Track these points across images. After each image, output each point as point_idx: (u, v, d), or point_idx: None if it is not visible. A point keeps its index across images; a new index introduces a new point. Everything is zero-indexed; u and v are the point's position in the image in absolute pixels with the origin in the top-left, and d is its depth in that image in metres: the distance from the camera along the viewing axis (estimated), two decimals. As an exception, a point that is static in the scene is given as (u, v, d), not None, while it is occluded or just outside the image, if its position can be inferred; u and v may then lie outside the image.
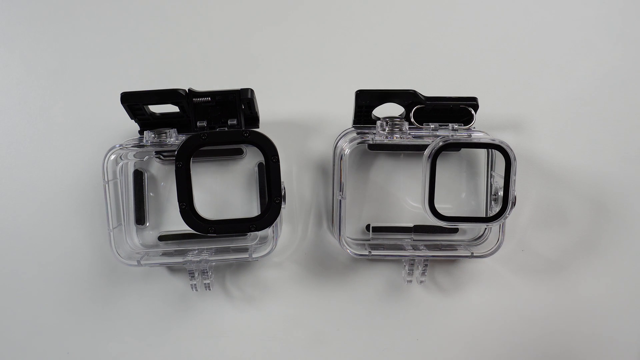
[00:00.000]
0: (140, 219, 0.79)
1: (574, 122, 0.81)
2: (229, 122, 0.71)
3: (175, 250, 0.79)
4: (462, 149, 0.80)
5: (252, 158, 0.80)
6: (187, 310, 0.82)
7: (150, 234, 0.80)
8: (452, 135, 0.71)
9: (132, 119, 0.73)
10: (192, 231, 0.69)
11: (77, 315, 0.82)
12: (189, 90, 0.69)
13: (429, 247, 0.77)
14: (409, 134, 0.72)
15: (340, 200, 0.73)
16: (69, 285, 0.81)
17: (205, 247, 0.79)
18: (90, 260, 0.81)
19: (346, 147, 0.71)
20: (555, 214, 0.81)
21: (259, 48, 0.82)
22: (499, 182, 0.73)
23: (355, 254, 0.75)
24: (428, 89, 0.71)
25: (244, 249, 0.78)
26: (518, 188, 0.71)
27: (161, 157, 0.78)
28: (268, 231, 0.76)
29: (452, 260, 0.82)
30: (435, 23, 0.83)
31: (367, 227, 0.81)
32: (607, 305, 0.82)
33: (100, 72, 0.82)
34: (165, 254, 0.78)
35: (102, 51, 0.82)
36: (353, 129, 0.76)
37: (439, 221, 0.70)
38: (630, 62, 0.82)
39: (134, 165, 0.79)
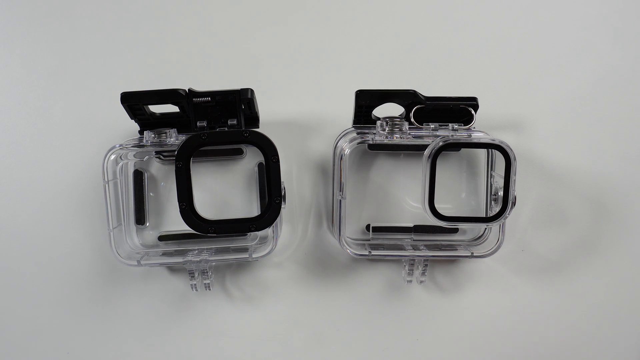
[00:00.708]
0: (140, 219, 0.79)
1: (574, 122, 0.81)
2: (229, 122, 0.71)
3: (175, 250, 0.79)
4: (462, 149, 0.80)
5: (252, 158, 0.80)
6: (187, 310, 0.82)
7: (150, 234, 0.80)
8: (452, 135, 0.71)
9: (132, 119, 0.73)
10: (192, 231, 0.69)
11: (77, 315, 0.82)
12: (189, 90, 0.69)
13: (429, 247, 0.77)
14: (409, 134, 0.72)
15: (340, 200, 0.73)
16: (69, 285, 0.81)
17: (205, 247, 0.79)
18: (90, 260, 0.81)
19: (346, 147, 0.71)
20: (555, 214, 0.81)
21: (259, 48, 0.82)
22: (499, 182, 0.73)
23: (355, 254, 0.75)
24: (428, 89, 0.71)
25: (244, 249, 0.78)
26: (518, 188, 0.71)
27: (161, 157, 0.78)
28: (268, 231, 0.76)
29: (452, 260, 0.82)
30: (435, 23, 0.82)
31: (367, 227, 0.81)
32: (607, 305, 0.82)
33: (100, 72, 0.82)
34: (165, 254, 0.78)
35: (102, 51, 0.82)
36: (353, 129, 0.76)
37: (439, 221, 0.70)
38: (630, 62, 0.81)
39: (134, 165, 0.79)
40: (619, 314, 0.82)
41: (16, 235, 0.81)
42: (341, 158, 0.72)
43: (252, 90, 0.70)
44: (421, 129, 0.72)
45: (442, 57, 0.82)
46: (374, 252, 0.75)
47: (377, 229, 0.80)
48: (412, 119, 0.72)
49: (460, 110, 0.72)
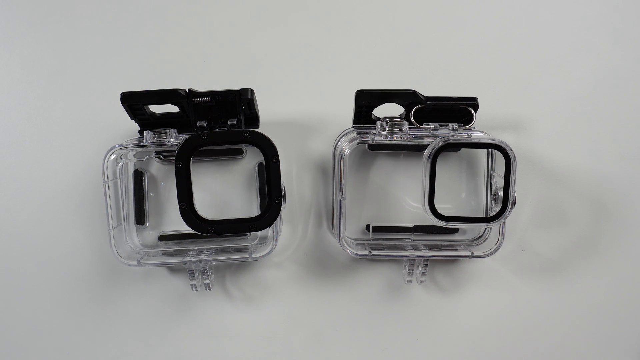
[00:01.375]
0: (140, 219, 0.79)
1: (574, 122, 0.81)
2: (229, 122, 0.71)
3: (175, 250, 0.79)
4: (462, 149, 0.80)
5: (252, 158, 0.80)
6: (187, 310, 0.82)
7: (150, 234, 0.80)
8: (452, 135, 0.71)
9: (132, 119, 0.73)
10: (192, 231, 0.69)
11: (77, 315, 0.82)
12: (189, 90, 0.69)
13: (429, 247, 0.77)
14: (409, 134, 0.72)
15: (340, 200, 0.73)
16: (69, 285, 0.81)
17: (205, 247, 0.79)
18: (90, 260, 0.81)
19: (346, 147, 0.71)
20: (555, 214, 0.81)
21: (259, 48, 0.82)
22: (499, 182, 0.73)
23: (355, 254, 0.75)
24: (428, 89, 0.71)
25: (244, 249, 0.78)
26: (518, 188, 0.71)
27: (161, 157, 0.78)
28: (268, 231, 0.76)
29: (452, 260, 0.82)
30: (435, 23, 0.83)
31: (367, 227, 0.80)
32: (607, 305, 0.82)
33: (100, 72, 0.82)
34: (165, 254, 0.78)
35: (102, 51, 0.82)
36: (353, 129, 0.76)
37: (439, 221, 0.70)
38: (630, 62, 0.82)
39: (134, 165, 0.79)
40: (619, 314, 0.82)
41: (16, 235, 0.81)
42: (341, 158, 0.72)
43: (252, 90, 0.70)
44: (421, 129, 0.72)
45: (442, 57, 0.82)
46: (374, 252, 0.75)
47: (377, 229, 0.80)
48: (412, 119, 0.72)
49: (460, 110, 0.72)
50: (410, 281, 0.78)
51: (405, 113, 0.74)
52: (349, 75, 0.82)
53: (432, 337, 0.83)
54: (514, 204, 0.69)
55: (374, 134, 0.72)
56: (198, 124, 0.71)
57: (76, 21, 0.82)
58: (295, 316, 0.82)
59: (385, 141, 0.72)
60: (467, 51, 0.82)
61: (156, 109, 0.73)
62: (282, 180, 0.68)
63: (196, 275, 0.75)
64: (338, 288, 0.82)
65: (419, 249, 0.76)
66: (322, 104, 0.81)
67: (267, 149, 0.67)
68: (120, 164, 0.76)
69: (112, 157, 0.72)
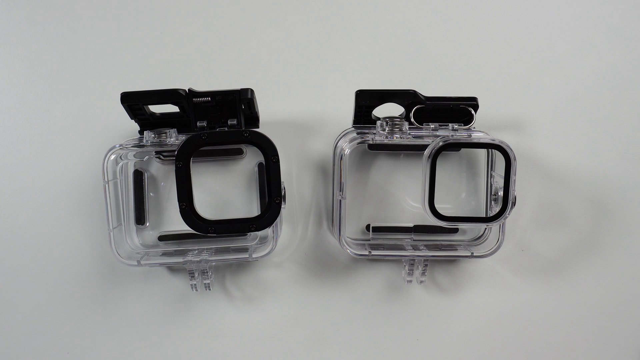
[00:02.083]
0: (140, 219, 0.79)
1: (574, 122, 0.81)
2: (229, 122, 0.71)
3: (175, 250, 0.79)
4: (462, 149, 0.80)
5: (252, 158, 0.80)
6: (187, 310, 0.82)
7: (150, 234, 0.80)
8: (452, 135, 0.71)
9: (132, 119, 0.73)
10: (192, 231, 0.69)
11: (77, 315, 0.82)
12: (189, 90, 0.69)
13: (429, 247, 0.77)
14: (409, 134, 0.72)
15: (340, 200, 0.73)
16: (68, 285, 0.81)
17: (205, 247, 0.79)
18: (90, 260, 0.81)
19: (346, 147, 0.71)
20: (555, 214, 0.81)
21: (259, 48, 0.82)
22: (499, 182, 0.73)
23: (355, 254, 0.75)
24: (428, 89, 0.71)
25: (244, 249, 0.78)
26: (518, 188, 0.71)
27: (161, 157, 0.78)
28: (268, 231, 0.76)
29: (452, 260, 0.82)
30: (435, 23, 0.83)
31: (367, 227, 0.81)
32: (607, 305, 0.82)
33: (100, 72, 0.82)
34: (165, 254, 0.78)
35: (102, 51, 0.82)
36: (353, 129, 0.76)
37: (439, 221, 0.70)
38: (630, 62, 0.81)
39: (134, 165, 0.79)
40: (619, 314, 0.82)
41: (16, 235, 0.81)
42: (341, 158, 0.72)
43: (252, 90, 0.70)
44: (421, 129, 0.72)
45: (442, 57, 0.82)
46: (374, 252, 0.75)
47: (377, 229, 0.80)
48: (412, 119, 0.72)
49: (460, 110, 0.72)
50: (410, 281, 0.78)
51: (405, 113, 0.74)
52: (349, 75, 0.82)
53: (432, 337, 0.83)
54: (514, 204, 0.69)
55: (374, 134, 0.72)
56: (198, 124, 0.71)
57: (76, 21, 0.82)
58: (295, 316, 0.82)
59: (385, 141, 0.72)
60: (467, 51, 0.82)
61: (156, 109, 0.73)
62: (282, 180, 0.68)
63: (196, 275, 0.75)
64: (338, 288, 0.82)
65: (419, 249, 0.76)
66: (322, 104, 0.81)
67: (267, 149, 0.67)
68: (120, 164, 0.76)
69: (112, 157, 0.72)
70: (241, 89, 0.69)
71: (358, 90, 0.70)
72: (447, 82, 0.81)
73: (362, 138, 0.72)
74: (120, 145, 0.72)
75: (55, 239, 0.81)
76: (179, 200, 0.67)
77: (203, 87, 0.70)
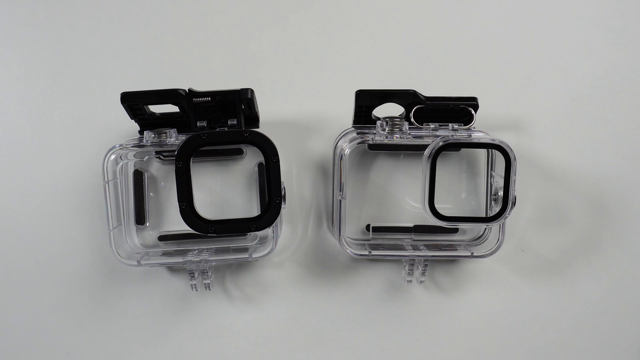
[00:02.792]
0: (140, 219, 0.79)
1: (574, 122, 0.81)
2: (229, 122, 0.71)
3: (175, 250, 0.79)
4: (462, 149, 0.80)
5: (252, 158, 0.80)
6: (187, 310, 0.82)
7: (150, 234, 0.80)
8: (452, 135, 0.71)
9: (132, 119, 0.73)
10: (192, 231, 0.69)
11: (77, 315, 0.82)
12: (189, 90, 0.69)
13: (429, 247, 0.77)
14: (409, 134, 0.71)
15: (340, 200, 0.73)
16: (68, 285, 0.81)
17: (205, 247, 0.79)
18: (90, 260, 0.81)
19: (346, 147, 0.71)
20: (555, 214, 0.81)
21: (259, 48, 0.82)
22: (499, 182, 0.73)
23: (355, 254, 0.75)
24: (428, 89, 0.71)
25: (244, 249, 0.78)
26: (518, 188, 0.71)
27: (161, 157, 0.78)
28: (268, 231, 0.76)
29: (452, 260, 0.82)
30: (435, 23, 0.83)
31: (367, 227, 0.81)
32: (607, 305, 0.82)
33: (100, 72, 0.82)
34: (165, 254, 0.78)
35: (102, 51, 0.82)
36: (353, 129, 0.76)
37: (439, 221, 0.70)
38: (630, 62, 0.82)
39: (134, 165, 0.79)
40: (619, 314, 0.82)
41: (16, 235, 0.81)
42: (341, 158, 0.72)
43: (252, 90, 0.70)
44: (421, 129, 0.72)
45: (442, 57, 0.82)
46: (374, 252, 0.75)
47: (377, 229, 0.80)
48: (412, 119, 0.72)
49: (460, 110, 0.72)
50: (410, 281, 0.78)
51: (405, 113, 0.74)
52: (349, 75, 0.82)
53: (432, 337, 0.83)
54: (514, 204, 0.69)
55: (374, 134, 0.72)
56: (198, 124, 0.71)
57: (76, 21, 0.82)
58: (295, 316, 0.82)
59: (385, 141, 0.72)
60: (467, 51, 0.82)
61: (156, 109, 0.73)
62: (282, 180, 0.68)
63: (196, 275, 0.75)
64: (338, 288, 0.82)
65: (419, 249, 0.76)
66: (322, 104, 0.81)
67: (267, 149, 0.67)
68: (120, 164, 0.76)
69: (112, 157, 0.72)
70: (241, 89, 0.69)
71: (358, 90, 0.70)
72: (447, 82, 0.81)
73: (362, 138, 0.72)
74: (120, 145, 0.72)
75: (55, 239, 0.81)
76: (179, 200, 0.67)
77: (203, 87, 0.70)
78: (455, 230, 0.81)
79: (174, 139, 0.71)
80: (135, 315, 0.82)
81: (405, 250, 0.76)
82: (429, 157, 0.68)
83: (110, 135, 0.80)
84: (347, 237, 0.78)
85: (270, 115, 0.79)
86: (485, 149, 0.78)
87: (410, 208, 0.81)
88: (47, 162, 0.81)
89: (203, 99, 0.69)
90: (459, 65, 0.82)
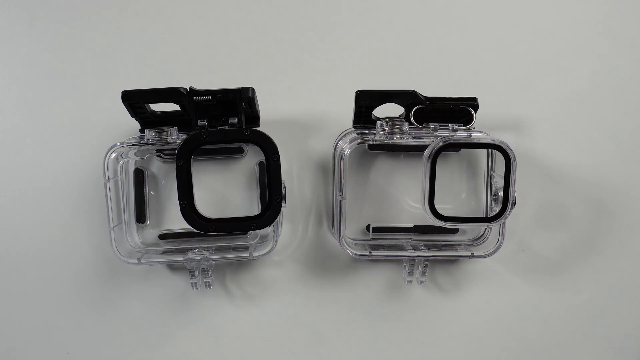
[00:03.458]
0: (140, 217, 0.79)
1: (574, 122, 0.81)
2: (230, 121, 0.71)
3: (176, 249, 0.79)
4: (462, 149, 0.80)
5: (252, 157, 0.80)
6: (187, 309, 0.82)
7: (151, 232, 0.80)
8: (452, 136, 0.71)
9: (133, 117, 0.73)
10: (193, 230, 0.68)
11: (77, 314, 0.81)
12: (189, 88, 0.69)
13: (429, 248, 0.77)
14: (409, 134, 0.72)
15: (340, 201, 0.73)
16: (69, 283, 0.81)
17: (206, 246, 0.79)
18: (90, 259, 0.81)
19: (346, 148, 0.71)
20: (555, 214, 0.81)
21: (259, 47, 0.82)
22: (499, 182, 0.73)
23: (356, 254, 0.75)
24: (428, 89, 0.72)
25: (245, 248, 0.78)
26: (518, 188, 0.70)
27: (162, 155, 0.78)
28: (268, 230, 0.76)
29: (452, 261, 0.82)
30: (435, 23, 0.83)
31: (367, 227, 0.81)
32: (607, 305, 0.82)
33: (100, 71, 0.82)
34: (165, 252, 0.78)
35: (102, 51, 0.82)
36: (353, 129, 0.77)
37: (439, 221, 0.70)
38: (630, 62, 0.82)
39: (135, 164, 0.79)
40: (619, 314, 0.82)
41: (16, 234, 0.81)
42: (341, 158, 0.72)
43: (253, 89, 0.70)
44: (421, 129, 0.72)
45: (442, 57, 0.82)
46: (374, 253, 0.75)
47: (377, 229, 0.81)
48: (412, 119, 0.72)
49: (460, 110, 0.72)
50: (411, 281, 0.78)
51: (405, 113, 0.74)
52: (349, 75, 0.82)
53: (432, 337, 0.83)
54: (514, 204, 0.69)
55: (374, 134, 0.72)
56: (199, 122, 0.71)
57: (76, 21, 0.82)
58: (295, 316, 0.82)
59: (385, 141, 0.72)
60: (467, 51, 0.82)
61: (157, 107, 0.73)
62: (282, 179, 0.68)
63: (196, 273, 0.75)
64: (338, 288, 0.82)
65: (419, 249, 0.76)
66: (322, 104, 0.81)
67: (268, 147, 0.67)
68: (121, 162, 0.76)
69: (113, 155, 0.72)
70: (242, 88, 0.69)
71: (358, 91, 0.71)
72: (447, 82, 0.81)
73: (362, 138, 0.72)
74: (121, 143, 0.72)
75: (56, 237, 0.81)
76: (179, 199, 0.67)
77: (204, 86, 0.70)
78: (456, 231, 0.81)
79: (174, 137, 0.71)
80: (135, 313, 0.81)
81: (405, 250, 0.76)
82: (429, 157, 0.68)
83: (111, 134, 0.79)
84: (347, 237, 0.78)
85: (271, 115, 0.79)
86: (485, 149, 0.79)
87: (410, 208, 0.81)
88: (47, 161, 0.81)
89: (204, 98, 0.69)
90: (459, 66, 0.82)
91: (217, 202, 0.80)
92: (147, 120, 0.74)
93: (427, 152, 0.69)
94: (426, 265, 0.77)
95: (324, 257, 0.82)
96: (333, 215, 0.77)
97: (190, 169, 0.67)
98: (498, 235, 0.74)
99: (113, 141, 0.72)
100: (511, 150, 0.68)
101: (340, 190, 0.72)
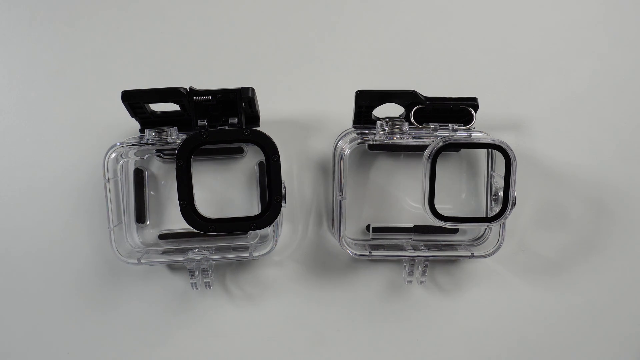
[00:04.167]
0: (140, 217, 0.79)
1: (574, 122, 0.81)
2: (230, 121, 0.71)
3: (176, 249, 0.79)
4: (462, 149, 0.80)
5: (252, 157, 0.80)
6: (187, 309, 0.81)
7: (151, 233, 0.80)
8: (452, 136, 0.71)
9: (132, 117, 0.73)
10: (193, 230, 0.68)
11: (77, 315, 0.81)
12: (189, 88, 0.69)
13: (429, 248, 0.77)
14: (409, 134, 0.71)
15: (340, 201, 0.73)
16: (69, 283, 0.81)
17: (206, 246, 0.79)
18: (90, 259, 0.81)
19: (346, 148, 0.71)
20: (555, 214, 0.81)
21: (259, 47, 0.82)
22: (499, 182, 0.73)
23: (356, 254, 0.75)
24: (428, 89, 0.71)
25: (244, 248, 0.78)
26: (518, 188, 0.70)
27: (162, 155, 0.78)
28: (268, 230, 0.76)
29: (452, 261, 0.82)
30: (435, 23, 0.83)
31: (367, 227, 0.81)
32: (607, 305, 0.82)
33: (100, 71, 0.82)
34: (165, 252, 0.78)
35: (102, 51, 0.82)
36: (353, 129, 0.76)
37: (439, 221, 0.70)
38: (630, 62, 0.82)
39: (135, 164, 0.79)
40: (620, 314, 0.82)
41: (16, 235, 0.81)
42: (341, 158, 0.72)
43: (252, 89, 0.70)
44: (421, 129, 0.72)
45: (442, 57, 0.82)
46: (374, 253, 0.75)
47: (377, 229, 0.80)
48: (412, 119, 0.72)
49: (460, 110, 0.72)
50: (411, 281, 0.78)
51: (405, 113, 0.74)
52: (349, 75, 0.82)
53: (432, 337, 0.83)
54: (514, 204, 0.69)
55: (374, 134, 0.72)
56: (199, 122, 0.71)
57: (76, 21, 0.82)
58: (295, 316, 0.82)
59: (385, 141, 0.72)
60: (467, 51, 0.82)
61: (157, 107, 0.73)
62: (282, 179, 0.68)
63: (196, 273, 0.75)
64: (338, 288, 0.82)
65: (419, 249, 0.76)
66: (322, 104, 0.81)
67: (268, 147, 0.67)
68: (120, 162, 0.76)
69: (113, 155, 0.72)
70: (242, 88, 0.69)
71: (358, 91, 0.70)
72: (447, 82, 0.81)
73: (362, 138, 0.72)
74: (121, 143, 0.72)
75: (56, 237, 0.81)
76: (179, 199, 0.67)
77: (204, 86, 0.70)
78: (456, 231, 0.81)
79: (174, 137, 0.71)
80: (135, 313, 0.81)
81: (405, 250, 0.76)
82: (429, 157, 0.68)
83: (111, 134, 0.79)
84: (347, 237, 0.78)
85: (271, 115, 0.79)
86: (485, 149, 0.79)
87: (410, 208, 0.81)
88: (47, 161, 0.81)
89: (204, 98, 0.69)
90: (459, 66, 0.82)
91: (217, 202, 0.80)
92: (147, 120, 0.74)
93: (427, 152, 0.69)
94: (426, 265, 0.77)
95: (324, 257, 0.82)
96: (333, 215, 0.77)
97: (190, 169, 0.67)
98: (498, 235, 0.74)
99: (113, 141, 0.72)
100: (511, 150, 0.68)
101: (340, 190, 0.72)
